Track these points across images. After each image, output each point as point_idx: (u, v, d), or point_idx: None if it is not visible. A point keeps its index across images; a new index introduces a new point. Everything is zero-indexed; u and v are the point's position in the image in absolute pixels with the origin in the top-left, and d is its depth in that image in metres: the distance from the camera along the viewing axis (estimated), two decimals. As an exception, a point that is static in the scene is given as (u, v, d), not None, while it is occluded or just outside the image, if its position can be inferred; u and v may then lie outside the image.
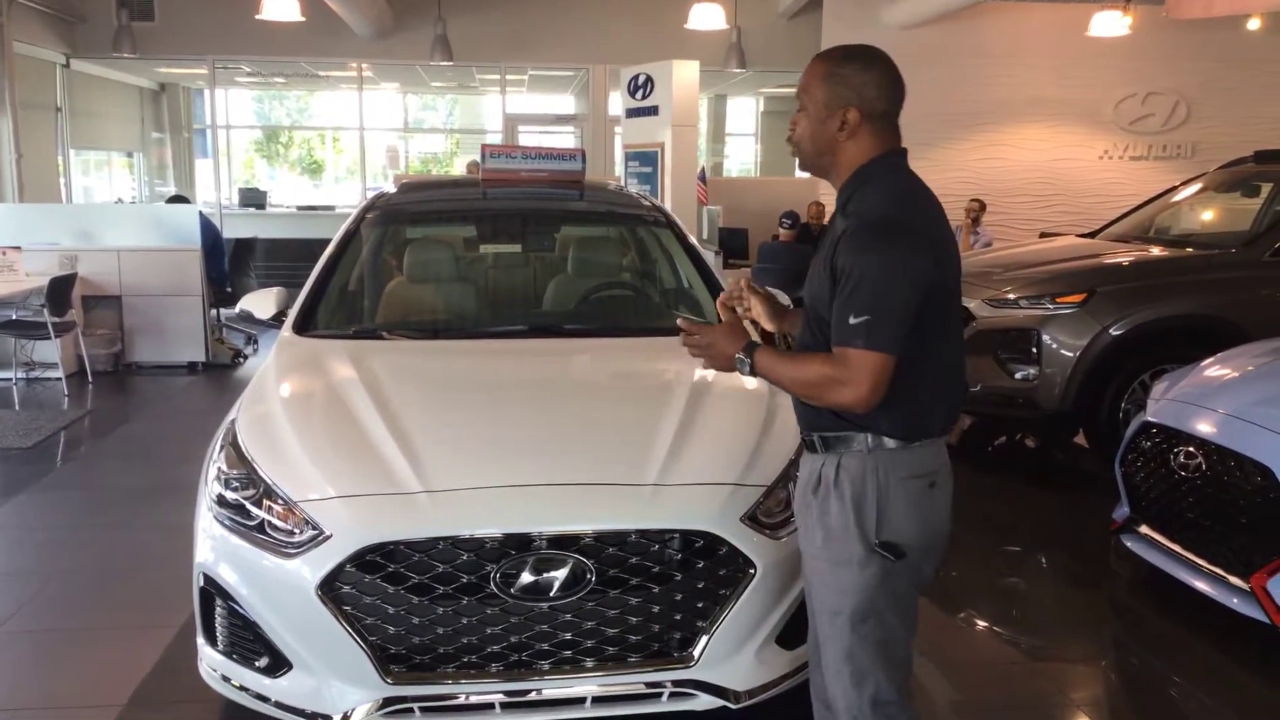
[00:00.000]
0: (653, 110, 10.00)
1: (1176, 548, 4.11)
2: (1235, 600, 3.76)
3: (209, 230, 9.22)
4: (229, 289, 9.69)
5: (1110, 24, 10.07)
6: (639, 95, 10.14)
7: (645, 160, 10.12)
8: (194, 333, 8.87)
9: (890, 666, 2.26)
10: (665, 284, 4.90)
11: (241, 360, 9.27)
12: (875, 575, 2.19)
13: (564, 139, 15.90)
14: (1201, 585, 3.93)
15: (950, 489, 2.33)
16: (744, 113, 20.03)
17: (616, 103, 12.23)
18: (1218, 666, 3.79)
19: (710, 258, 4.87)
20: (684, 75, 9.78)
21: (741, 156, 20.73)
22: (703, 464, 2.89)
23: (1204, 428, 4.00)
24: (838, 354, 2.08)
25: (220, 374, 8.84)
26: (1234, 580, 3.79)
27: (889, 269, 2.05)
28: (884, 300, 2.04)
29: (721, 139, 19.65)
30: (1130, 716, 3.53)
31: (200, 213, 9.34)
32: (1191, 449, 4.01)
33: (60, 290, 7.81)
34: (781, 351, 2.28)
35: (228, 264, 9.98)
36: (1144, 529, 4.33)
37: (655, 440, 2.97)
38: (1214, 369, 4.40)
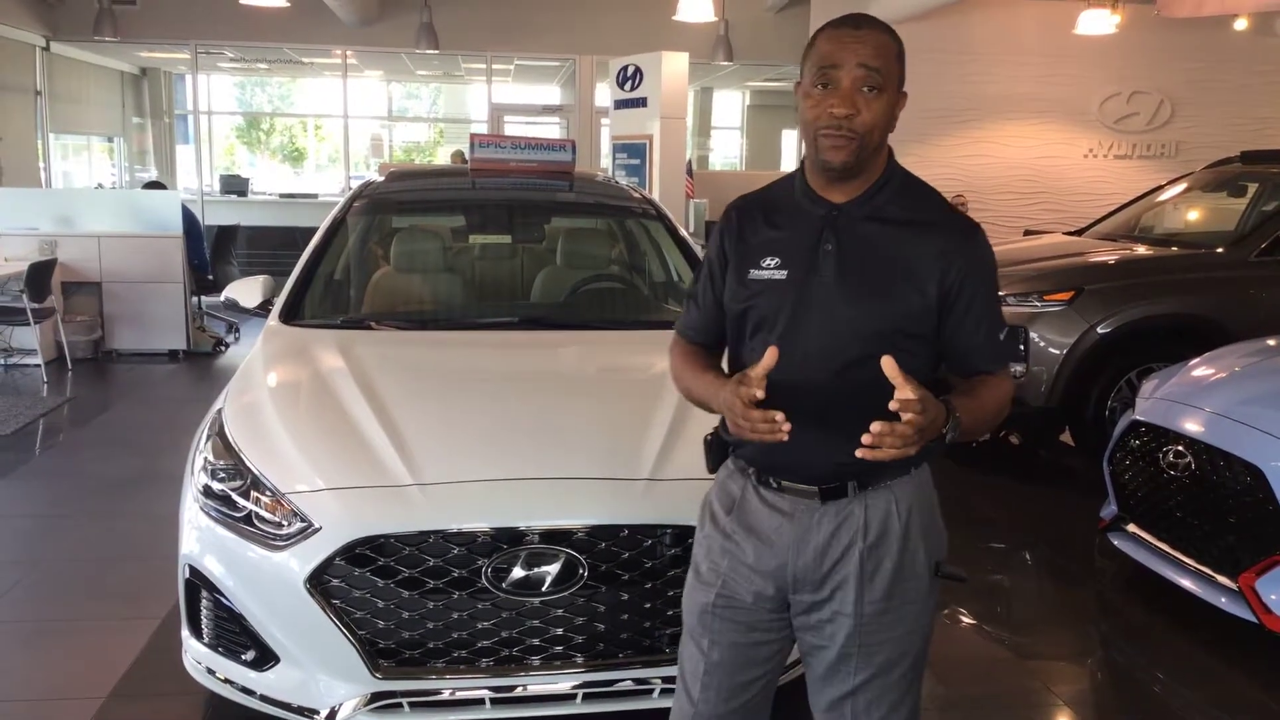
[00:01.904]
0: (641, 102, 9.96)
1: (1164, 546, 4.12)
2: (1223, 599, 3.77)
3: (186, 217, 9.13)
4: (210, 276, 9.61)
5: (1098, 22, 10.08)
6: (628, 87, 10.10)
7: (633, 152, 10.08)
8: (175, 320, 8.79)
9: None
10: (655, 277, 4.88)
11: (223, 349, 9.20)
12: (935, 599, 2.01)
13: (550, 129, 15.82)
14: (1189, 584, 3.94)
15: None
16: (730, 106, 20.02)
17: (603, 94, 12.19)
18: (1204, 665, 3.80)
19: (700, 250, 4.85)
20: (674, 67, 9.75)
21: (726, 150, 20.72)
22: (695, 458, 2.85)
23: (1192, 427, 4.00)
24: (1003, 371, 1.94)
25: (201, 362, 8.76)
26: (1222, 579, 3.80)
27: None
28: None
29: (707, 132, 19.62)
30: (1116, 714, 3.53)
31: (180, 199, 9.25)
32: (1180, 448, 4.02)
33: (39, 276, 7.72)
34: (961, 395, 1.84)
35: (209, 251, 9.89)
36: (1132, 527, 4.34)
37: (648, 434, 2.95)
38: (1202, 368, 4.41)
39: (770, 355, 1.75)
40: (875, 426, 1.64)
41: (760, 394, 1.72)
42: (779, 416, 1.70)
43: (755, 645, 2.03)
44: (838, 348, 1.85)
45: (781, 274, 1.90)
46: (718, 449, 2.06)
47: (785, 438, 1.71)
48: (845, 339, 1.85)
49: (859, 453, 1.65)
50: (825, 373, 1.86)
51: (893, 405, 1.65)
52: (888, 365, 1.68)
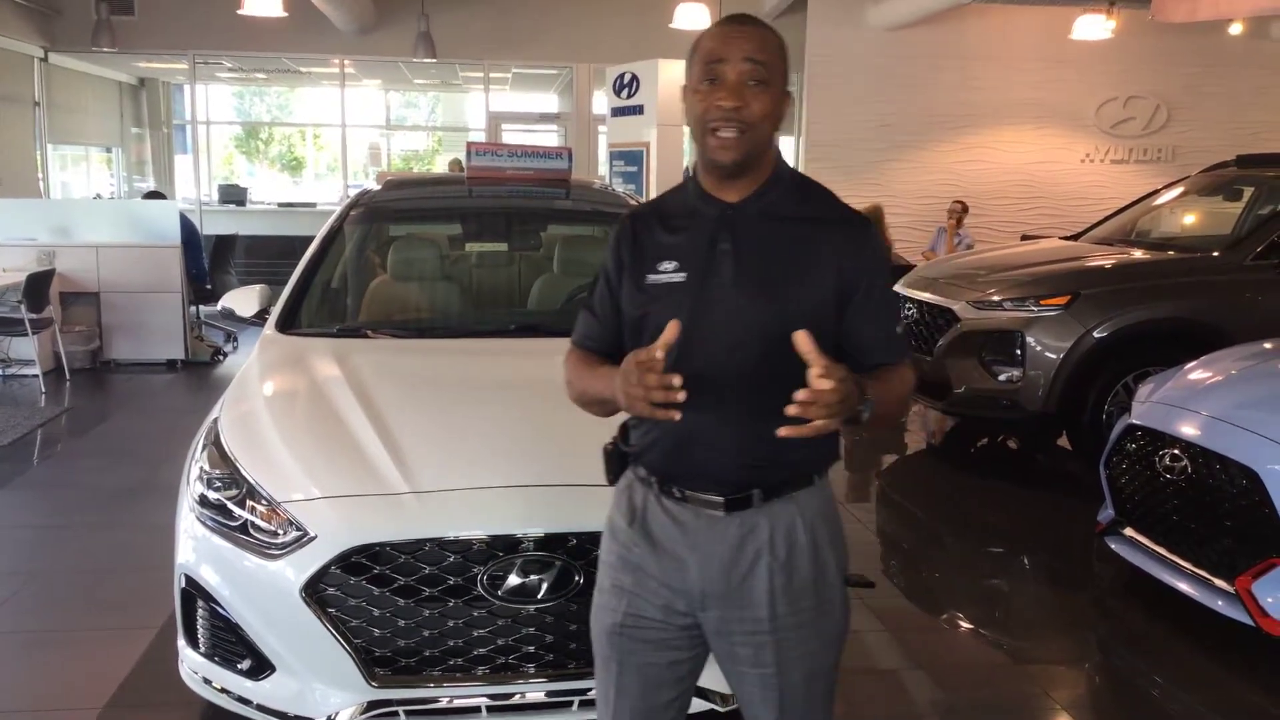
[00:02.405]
0: (638, 109, 9.98)
1: (1161, 550, 4.12)
2: (1220, 602, 3.77)
3: (184, 226, 9.15)
4: (208, 286, 9.62)
5: (1093, 27, 10.11)
6: (624, 94, 10.12)
7: (630, 159, 10.10)
8: (173, 330, 8.80)
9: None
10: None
11: (221, 358, 9.20)
12: (848, 608, 2.00)
13: (547, 138, 15.84)
14: (1186, 587, 3.94)
15: None
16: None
17: (600, 102, 12.21)
18: (1201, 669, 3.80)
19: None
20: (670, 74, 9.76)
21: (724, 156, 20.70)
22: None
23: (1189, 430, 4.01)
24: (901, 364, 1.91)
25: (199, 372, 8.77)
26: (1218, 583, 3.80)
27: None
28: None
29: (705, 139, 19.63)
30: (1113, 718, 3.53)
31: (178, 209, 9.26)
32: (1176, 451, 4.02)
33: (37, 286, 7.73)
34: (872, 379, 1.77)
35: (207, 261, 9.91)
36: (1128, 531, 4.34)
37: (643, 441, 2.95)
38: (1198, 372, 4.42)
39: (671, 329, 1.69)
40: (800, 394, 1.59)
41: (660, 355, 1.66)
42: (676, 380, 1.63)
43: (668, 665, 1.97)
44: (738, 348, 1.81)
45: (680, 277, 1.86)
46: (617, 459, 2.03)
47: (677, 415, 1.66)
48: (746, 339, 1.81)
49: (781, 431, 1.61)
50: (727, 374, 1.81)
51: (812, 374, 1.60)
52: (801, 339, 1.63)
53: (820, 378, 1.60)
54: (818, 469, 1.92)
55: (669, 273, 1.87)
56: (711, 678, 2.74)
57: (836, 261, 1.84)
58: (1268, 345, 4.59)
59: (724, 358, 1.82)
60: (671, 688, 2.00)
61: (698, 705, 2.76)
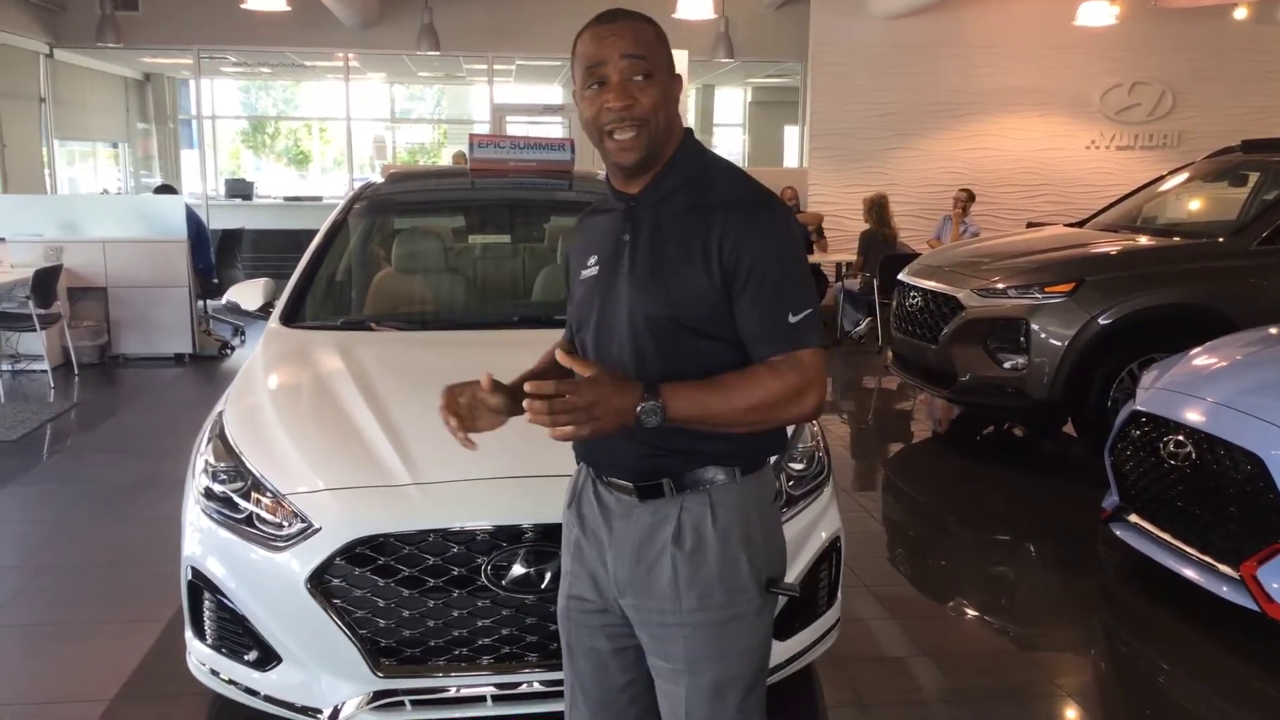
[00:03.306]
0: (641, 100, 9.96)
1: (1166, 536, 4.13)
2: (1225, 588, 3.78)
3: (193, 221, 9.18)
4: (215, 280, 9.64)
5: (1097, 13, 10.07)
6: (627, 85, 10.10)
7: (633, 150, 10.09)
8: (181, 324, 8.83)
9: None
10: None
11: (228, 352, 9.23)
12: (769, 621, 1.91)
13: (552, 129, 15.83)
14: (1191, 573, 3.94)
15: None
16: (732, 103, 19.99)
17: (604, 93, 12.16)
18: (1207, 654, 3.80)
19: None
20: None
21: (729, 147, 20.70)
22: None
23: (1193, 416, 4.01)
24: (787, 360, 1.73)
25: (207, 366, 8.80)
26: (1223, 568, 3.81)
27: (802, 255, 1.82)
28: (811, 288, 1.79)
29: (710, 130, 19.60)
30: (1119, 704, 3.53)
31: (184, 204, 9.29)
32: (1181, 438, 4.02)
33: (45, 282, 7.76)
34: (696, 382, 1.73)
35: (214, 255, 9.93)
36: (1133, 517, 4.34)
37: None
38: (1203, 358, 4.41)
39: (482, 379, 1.89)
40: (525, 402, 1.62)
41: (461, 397, 1.92)
42: (453, 423, 1.89)
43: (614, 651, 1.98)
44: (633, 337, 1.82)
45: (595, 270, 1.90)
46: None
47: (468, 446, 1.91)
48: (638, 328, 1.81)
49: (548, 433, 1.62)
50: (624, 363, 1.82)
51: (526, 387, 1.61)
52: (560, 356, 1.78)
53: (534, 384, 1.60)
54: (742, 463, 1.84)
55: (591, 268, 1.92)
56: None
57: (720, 246, 1.75)
58: (1272, 331, 4.59)
59: (619, 348, 1.84)
60: (622, 673, 2.00)
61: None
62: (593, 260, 1.91)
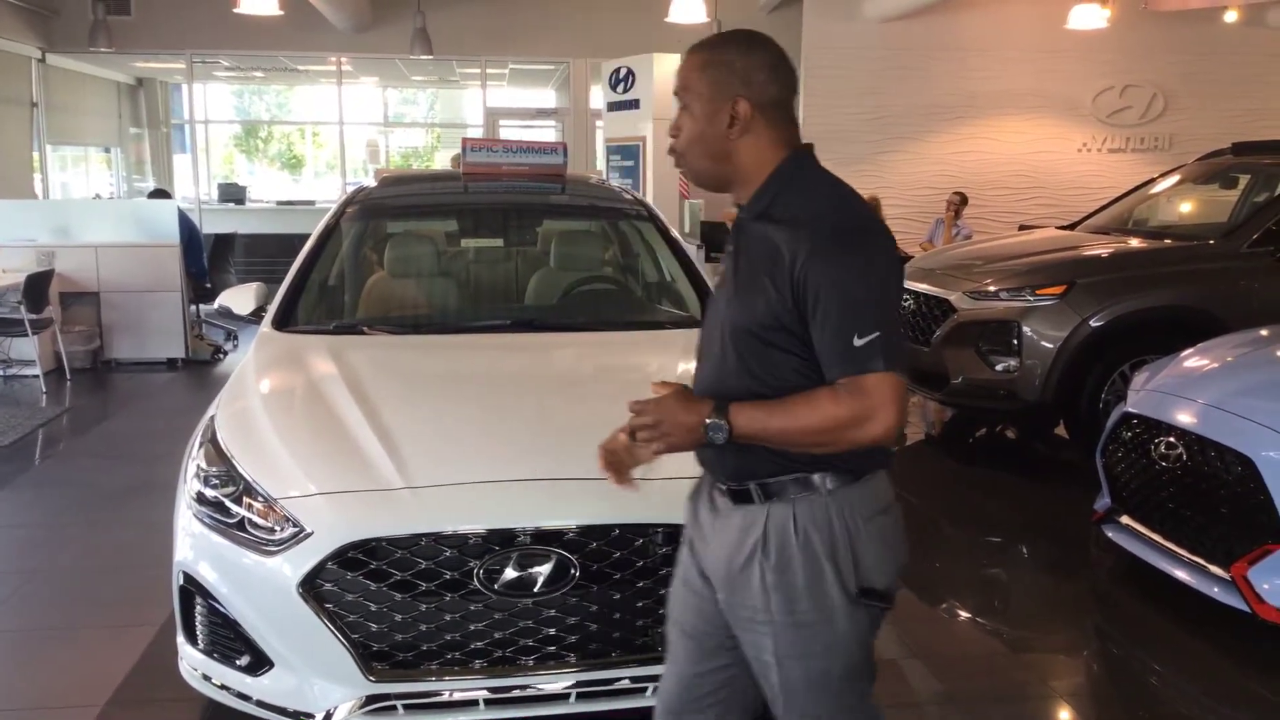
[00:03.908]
0: (634, 104, 9.99)
1: (1157, 537, 4.14)
2: (1216, 589, 3.79)
3: (186, 225, 9.16)
4: (208, 285, 9.63)
5: (1089, 16, 10.09)
6: (620, 89, 10.13)
7: (627, 154, 10.12)
8: (173, 329, 8.81)
9: (870, 711, 2.09)
10: (648, 278, 4.89)
11: (221, 356, 9.22)
12: (864, 626, 1.95)
13: (545, 133, 15.85)
14: (1182, 575, 3.96)
15: (900, 516, 2.04)
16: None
17: (598, 96, 12.21)
18: (1198, 655, 3.81)
19: (692, 251, 4.86)
20: (665, 68, 9.77)
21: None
22: (686, 458, 2.86)
23: (1184, 418, 4.02)
24: (850, 384, 1.76)
25: (200, 370, 8.79)
26: (1214, 569, 3.82)
27: (881, 276, 1.81)
28: (887, 313, 1.80)
29: (703, 133, 19.64)
30: (1112, 706, 3.54)
31: (177, 208, 9.27)
32: (1172, 439, 4.03)
33: (37, 287, 7.74)
34: (761, 401, 1.83)
35: (207, 259, 9.92)
36: (1125, 519, 4.36)
37: (638, 434, 2.96)
38: (1193, 360, 4.43)
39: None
40: (630, 405, 1.87)
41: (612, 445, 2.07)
42: (611, 477, 2.06)
43: (706, 638, 2.08)
44: (721, 346, 1.94)
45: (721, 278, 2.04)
46: None
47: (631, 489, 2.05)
48: (723, 338, 1.93)
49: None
50: (719, 371, 1.95)
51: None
52: (652, 386, 1.90)
53: (630, 407, 1.86)
54: (833, 474, 1.88)
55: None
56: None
57: (793, 264, 1.80)
58: (1263, 333, 4.60)
59: (714, 354, 1.96)
60: (709, 659, 2.10)
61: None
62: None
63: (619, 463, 2.05)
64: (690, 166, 1.95)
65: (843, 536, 1.89)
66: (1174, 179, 7.29)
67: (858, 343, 1.76)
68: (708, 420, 1.81)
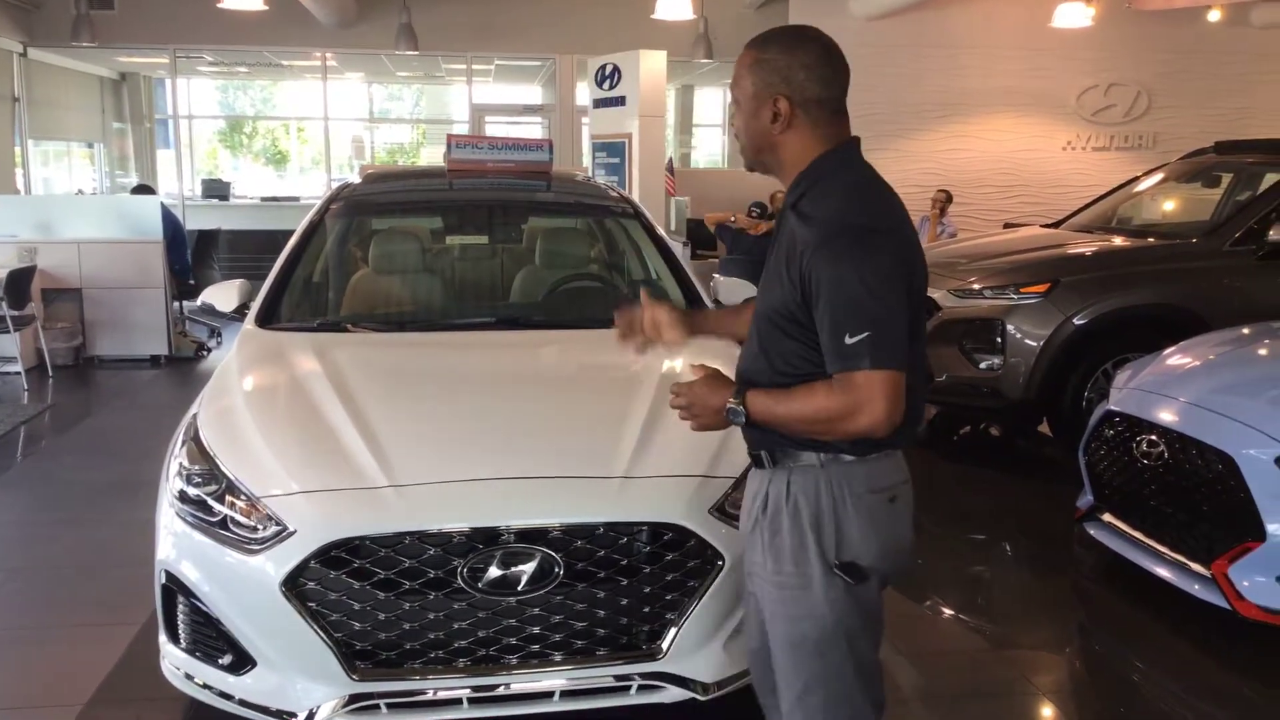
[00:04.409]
0: (620, 101, 9.97)
1: (1139, 535, 4.17)
2: (1196, 586, 3.81)
3: (170, 222, 9.12)
4: (192, 281, 9.58)
5: (1074, 15, 10.14)
6: (606, 86, 10.11)
7: (613, 151, 10.09)
8: (156, 326, 8.77)
9: (870, 689, 2.12)
10: (634, 275, 4.89)
11: (205, 353, 9.18)
12: (841, 598, 2.02)
13: (531, 129, 15.83)
14: (1163, 572, 3.98)
15: (911, 502, 2.14)
16: (712, 104, 20.01)
17: (584, 93, 12.19)
18: (1180, 652, 3.84)
19: (678, 249, 4.86)
20: (651, 65, 9.75)
21: (709, 147, 20.72)
22: (671, 456, 2.89)
23: (1166, 416, 4.04)
24: (841, 380, 1.88)
25: (183, 367, 8.75)
26: (1195, 567, 3.84)
27: (880, 276, 1.88)
28: (882, 311, 1.86)
29: (689, 130, 19.62)
30: (1093, 702, 3.56)
31: (161, 204, 9.22)
32: (1154, 437, 4.06)
33: (19, 283, 7.69)
34: (775, 389, 2.00)
35: (190, 256, 9.87)
36: (1107, 517, 4.38)
37: (623, 433, 2.97)
38: (1175, 358, 4.45)
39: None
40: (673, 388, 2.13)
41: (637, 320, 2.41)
42: (636, 344, 2.43)
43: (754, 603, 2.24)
44: (754, 330, 2.14)
45: None
46: None
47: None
48: (755, 322, 2.14)
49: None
50: (748, 354, 2.16)
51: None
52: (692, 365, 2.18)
53: (671, 389, 2.13)
54: (829, 451, 2.02)
55: None
56: (692, 666, 2.79)
57: (802, 259, 1.93)
58: (1245, 331, 4.64)
59: (749, 337, 2.17)
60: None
61: (678, 694, 2.79)
62: None
63: (656, 331, 2.37)
64: (744, 155, 2.14)
65: (829, 508, 2.02)
66: (1157, 178, 7.33)
67: (849, 341, 1.86)
68: (729, 404, 2.03)
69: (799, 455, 2.04)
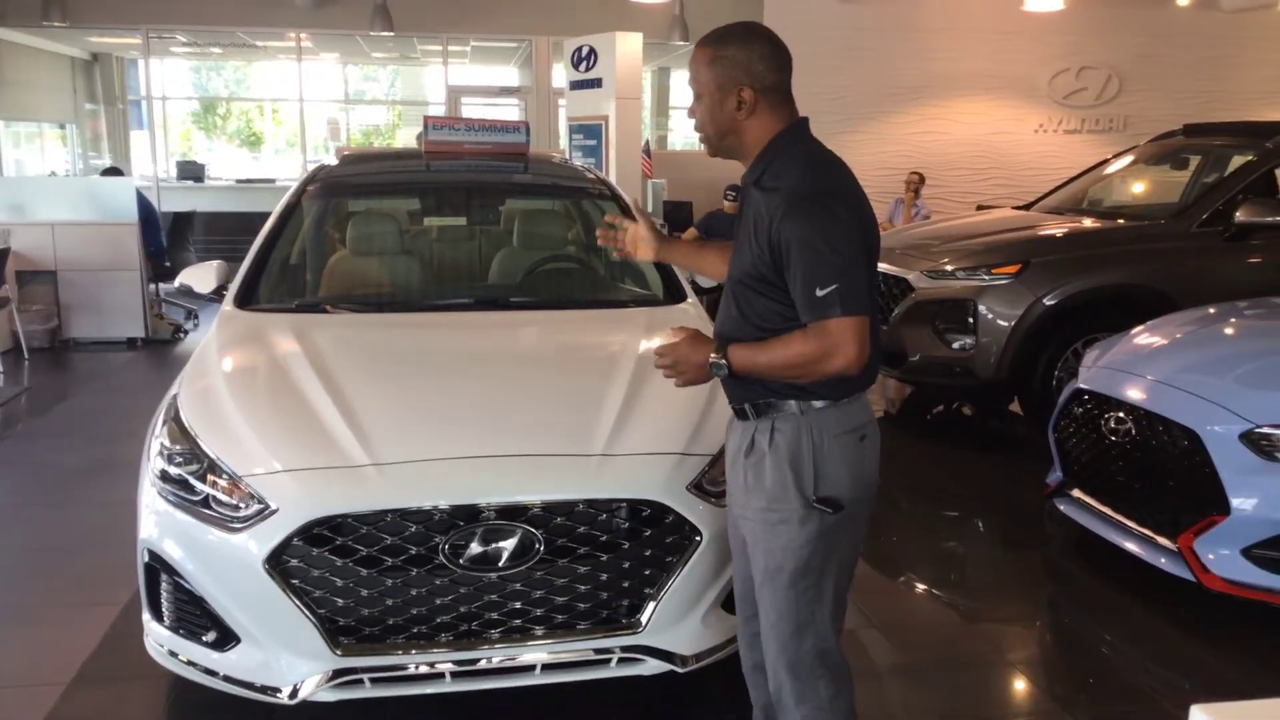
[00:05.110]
0: (596, 83, 9.96)
1: (1107, 510, 4.25)
2: (1163, 560, 3.90)
3: (141, 204, 9.06)
4: (168, 263, 9.54)
5: (1046, -2, 10.21)
6: (582, 67, 10.10)
7: (590, 133, 10.09)
8: (133, 308, 8.73)
9: (834, 615, 2.35)
10: (610, 256, 4.92)
11: (182, 335, 9.15)
12: (815, 530, 2.25)
13: (508, 111, 15.77)
14: (1131, 546, 4.07)
15: (878, 441, 2.37)
16: (688, 86, 20.01)
17: (560, 75, 12.17)
18: (1147, 625, 3.92)
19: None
20: (627, 47, 9.75)
21: (686, 130, 20.70)
22: (649, 434, 2.93)
23: (1133, 394, 4.12)
24: (815, 327, 2.11)
25: (160, 349, 8.72)
26: (1162, 541, 3.93)
27: (841, 235, 2.12)
28: (847, 265, 2.10)
29: (666, 112, 19.61)
30: (1064, 674, 3.64)
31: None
32: (1121, 414, 4.13)
33: (-8, 266, 7.64)
34: (751, 342, 2.25)
35: (166, 238, 9.82)
36: (1076, 493, 4.46)
37: (601, 411, 3.01)
38: (1143, 337, 4.53)
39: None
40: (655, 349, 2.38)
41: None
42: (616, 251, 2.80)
43: (744, 542, 2.43)
44: (728, 294, 2.35)
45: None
46: None
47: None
48: (729, 287, 2.35)
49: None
50: (725, 316, 2.37)
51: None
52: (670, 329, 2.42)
53: (655, 351, 2.37)
54: (805, 398, 2.24)
55: None
56: (671, 639, 2.84)
57: (770, 224, 2.17)
58: (1211, 310, 4.72)
59: (723, 302, 2.38)
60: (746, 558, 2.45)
61: (657, 666, 2.84)
62: None
63: (632, 246, 2.76)
64: (707, 142, 2.35)
65: (808, 450, 2.25)
66: (1127, 160, 7.42)
67: (819, 293, 2.09)
68: (711, 358, 2.26)
69: (781, 405, 2.26)
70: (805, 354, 2.13)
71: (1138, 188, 7.68)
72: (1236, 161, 6.54)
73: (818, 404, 2.24)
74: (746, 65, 2.22)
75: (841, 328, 2.09)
